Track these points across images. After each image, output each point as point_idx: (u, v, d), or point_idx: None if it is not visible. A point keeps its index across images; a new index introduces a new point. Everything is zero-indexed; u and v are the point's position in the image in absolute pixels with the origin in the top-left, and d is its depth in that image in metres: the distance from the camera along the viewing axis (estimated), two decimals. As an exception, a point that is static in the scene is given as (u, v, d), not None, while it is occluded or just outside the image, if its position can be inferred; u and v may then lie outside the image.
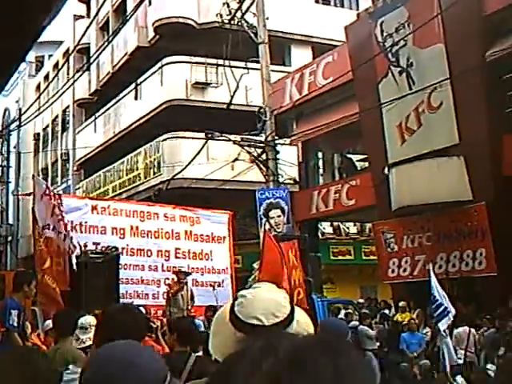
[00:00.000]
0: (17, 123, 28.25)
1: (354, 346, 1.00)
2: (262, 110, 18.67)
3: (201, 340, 6.24)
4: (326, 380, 0.90)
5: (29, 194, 11.51)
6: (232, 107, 19.19)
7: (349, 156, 24.23)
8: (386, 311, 17.77)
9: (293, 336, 1.00)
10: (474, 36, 16.25)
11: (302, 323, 2.17)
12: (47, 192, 10.92)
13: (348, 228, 26.03)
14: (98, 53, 24.60)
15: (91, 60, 28.46)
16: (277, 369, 0.91)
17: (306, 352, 0.94)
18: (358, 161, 23.91)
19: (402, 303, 16.53)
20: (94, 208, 13.72)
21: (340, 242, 25.60)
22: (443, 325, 11.82)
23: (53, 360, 5.19)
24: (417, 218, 17.56)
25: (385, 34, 18.39)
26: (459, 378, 11.24)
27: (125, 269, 12.93)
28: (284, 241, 13.48)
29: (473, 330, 13.28)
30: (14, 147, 34.13)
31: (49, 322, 10.71)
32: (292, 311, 2.16)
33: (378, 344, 14.56)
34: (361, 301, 19.33)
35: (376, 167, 19.03)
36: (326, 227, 25.27)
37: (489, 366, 11.81)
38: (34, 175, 14.79)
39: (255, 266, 13.56)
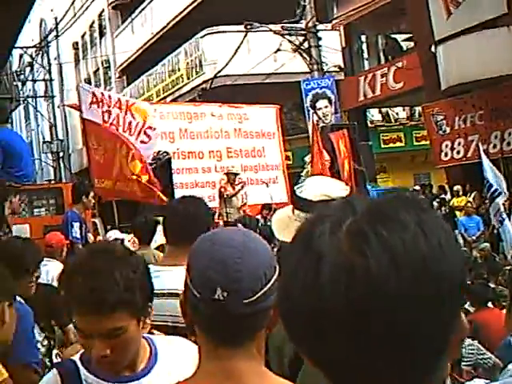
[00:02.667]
0: (54, 33, 28.04)
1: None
2: (300, -6, 18.07)
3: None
4: (411, 231, 0.89)
5: (74, 106, 11.10)
6: (269, -6, 18.66)
7: (393, 36, 23.48)
8: (443, 196, 17.66)
9: (370, 197, 1.00)
10: None
11: None
12: (94, 100, 10.48)
13: (397, 114, 25.61)
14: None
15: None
16: (359, 224, 0.90)
17: (387, 206, 0.94)
18: (403, 41, 23.10)
19: (456, 187, 16.40)
20: (140, 114, 13.58)
21: (390, 129, 25.17)
22: (494, 207, 11.65)
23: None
24: (468, 96, 17.13)
25: None
26: (520, 260, 11.19)
27: (178, 173, 12.93)
28: (333, 131, 13.39)
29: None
30: (54, 59, 34.01)
31: (111, 233, 10.99)
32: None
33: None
34: (416, 188, 19.19)
35: (422, 46, 18.47)
36: (374, 114, 24.93)
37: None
38: (78, 85, 14.62)
39: (307, 159, 13.51)
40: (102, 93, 10.66)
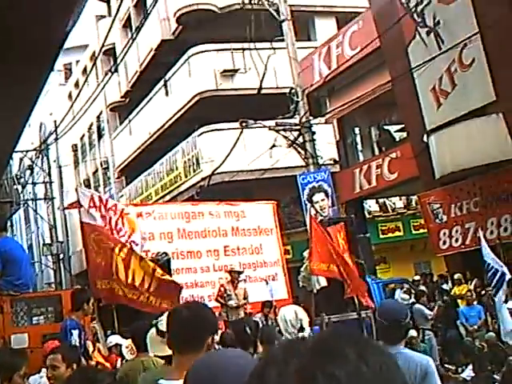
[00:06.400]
0: (53, 136, 28.56)
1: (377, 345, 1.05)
2: (293, 91, 18.48)
3: (250, 341, 6.60)
4: (353, 363, 0.95)
5: (74, 204, 11.15)
6: (263, 91, 18.99)
7: (386, 128, 23.84)
8: (444, 286, 17.53)
9: (312, 337, 1.07)
10: (499, -17, 15.82)
11: None
12: (91, 204, 10.58)
13: (394, 203, 25.63)
14: (123, 52, 24.63)
15: (118, 61, 28.50)
16: (305, 363, 0.96)
17: (329, 343, 1.00)
18: (395, 131, 23.45)
19: (457, 275, 16.28)
20: (139, 215, 13.65)
21: (388, 219, 25.22)
22: (502, 293, 11.59)
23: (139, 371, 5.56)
24: (462, 183, 17.21)
25: (408, -6, 18.06)
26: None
27: (177, 273, 12.91)
28: (331, 225, 13.39)
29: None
30: (54, 161, 34.53)
31: (112, 339, 10.88)
32: None
33: (432, 322, 14.44)
34: (416, 278, 19.09)
35: (415, 136, 18.74)
36: (371, 205, 24.97)
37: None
38: (77, 188, 14.74)
39: (305, 254, 13.50)
40: (99, 197, 10.77)
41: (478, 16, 16.21)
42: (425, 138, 17.70)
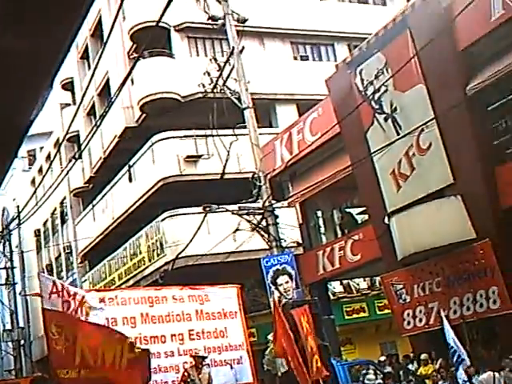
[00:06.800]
0: (16, 222, 28.38)
1: None
2: (255, 176, 18.77)
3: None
4: None
5: (36, 294, 11.11)
6: (226, 177, 19.24)
7: (348, 210, 24.11)
8: (410, 366, 17.45)
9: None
10: (452, 72, 16.41)
11: None
12: (54, 290, 10.56)
13: (358, 284, 25.70)
14: (87, 139, 24.84)
15: (82, 147, 28.66)
16: None
17: None
18: (357, 214, 23.66)
19: (423, 356, 16.25)
20: (101, 300, 13.50)
21: (352, 300, 25.24)
22: (461, 373, 11.69)
23: None
24: (424, 264, 17.36)
25: (365, 82, 18.59)
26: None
27: (140, 359, 12.75)
28: (295, 307, 13.44)
29: (497, 374, 13.00)
30: (16, 246, 34.20)
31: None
32: None
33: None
34: (382, 359, 18.99)
35: (376, 218, 18.98)
36: (335, 286, 25.02)
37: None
38: (39, 273, 14.61)
39: (270, 337, 13.47)
40: (61, 283, 10.75)
41: (433, 102, 16.79)
42: (386, 220, 17.93)
